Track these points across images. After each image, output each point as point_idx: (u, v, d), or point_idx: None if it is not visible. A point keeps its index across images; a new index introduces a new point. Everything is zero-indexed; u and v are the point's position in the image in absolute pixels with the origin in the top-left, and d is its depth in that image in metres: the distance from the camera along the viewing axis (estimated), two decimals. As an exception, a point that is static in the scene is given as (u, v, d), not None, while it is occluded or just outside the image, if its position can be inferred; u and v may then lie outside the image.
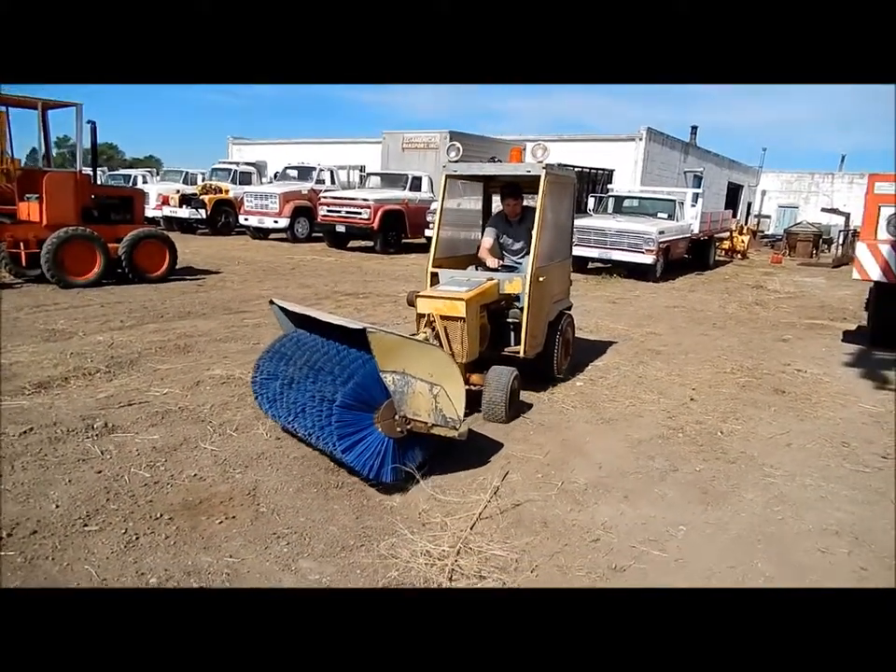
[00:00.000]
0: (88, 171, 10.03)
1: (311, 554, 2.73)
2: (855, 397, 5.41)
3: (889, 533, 3.09)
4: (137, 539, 2.81)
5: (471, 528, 2.97)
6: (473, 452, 3.85)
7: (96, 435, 3.92)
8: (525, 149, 5.46)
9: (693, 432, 4.37)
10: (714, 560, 2.83)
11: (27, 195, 9.53)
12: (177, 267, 10.56)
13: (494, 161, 5.48)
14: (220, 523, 2.96)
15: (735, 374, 5.98)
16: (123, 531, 2.86)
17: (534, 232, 4.81)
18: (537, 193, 4.89)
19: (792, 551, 2.93)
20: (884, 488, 3.62)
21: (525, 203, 5.50)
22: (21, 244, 9.14)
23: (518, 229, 5.41)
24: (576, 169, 17.97)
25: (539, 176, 4.80)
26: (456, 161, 5.24)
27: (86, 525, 2.91)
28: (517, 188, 5.36)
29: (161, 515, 3.00)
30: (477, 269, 5.22)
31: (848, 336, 8.13)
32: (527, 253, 5.05)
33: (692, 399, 5.12)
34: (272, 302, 4.12)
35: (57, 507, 3.06)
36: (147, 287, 9.63)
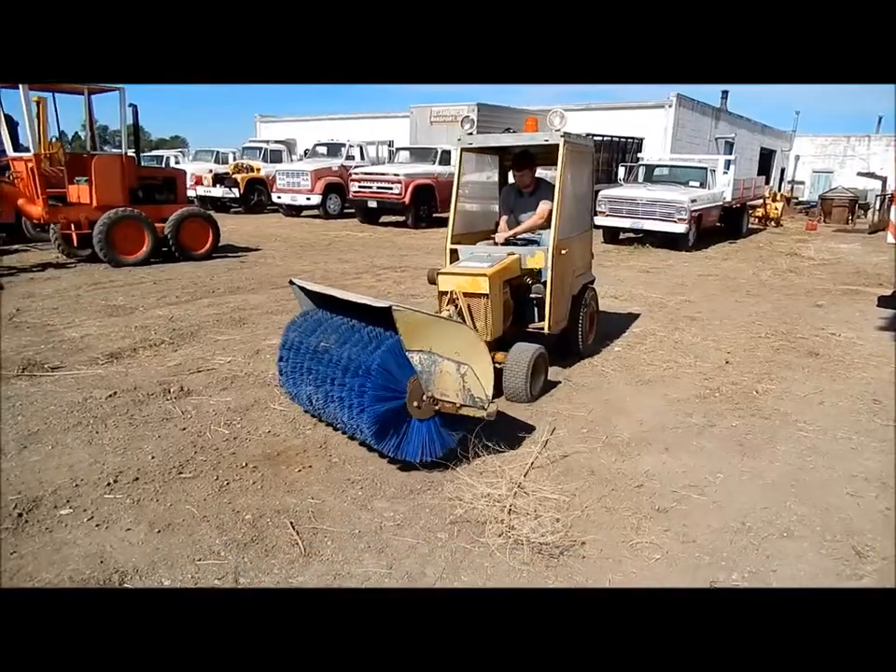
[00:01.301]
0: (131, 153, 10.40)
1: (384, 496, 3.05)
2: (887, 358, 5.55)
3: (917, 479, 3.30)
4: (228, 484, 3.16)
5: (525, 475, 3.26)
6: (520, 409, 4.13)
7: (174, 398, 4.28)
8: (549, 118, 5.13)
9: (728, 392, 4.59)
10: (750, 502, 3.08)
11: (76, 178, 9.94)
12: (219, 245, 10.94)
13: (509, 132, 5.23)
14: (299, 471, 3.30)
15: (770, 339, 6.14)
16: (215, 478, 3.22)
17: (554, 204, 4.67)
18: (555, 164, 4.72)
19: (823, 494, 3.17)
20: (913, 441, 3.82)
21: (537, 174, 5.31)
22: (73, 225, 9.56)
23: (530, 201, 5.19)
24: (605, 138, 17.90)
25: (558, 145, 4.63)
26: (470, 133, 5.11)
27: (180, 473, 3.27)
28: (527, 158, 5.13)
29: (246, 465, 3.35)
30: (507, 243, 5.06)
31: (883, 301, 8.14)
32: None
33: (727, 362, 5.31)
34: (291, 283, 4.05)
35: (152, 458, 3.42)
36: (192, 264, 10.01)
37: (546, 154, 5.06)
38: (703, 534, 2.82)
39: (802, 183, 33.07)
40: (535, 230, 5.15)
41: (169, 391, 4.40)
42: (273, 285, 8.42)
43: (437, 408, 3.20)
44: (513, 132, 5.29)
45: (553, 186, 5.15)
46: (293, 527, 2.77)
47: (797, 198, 28.27)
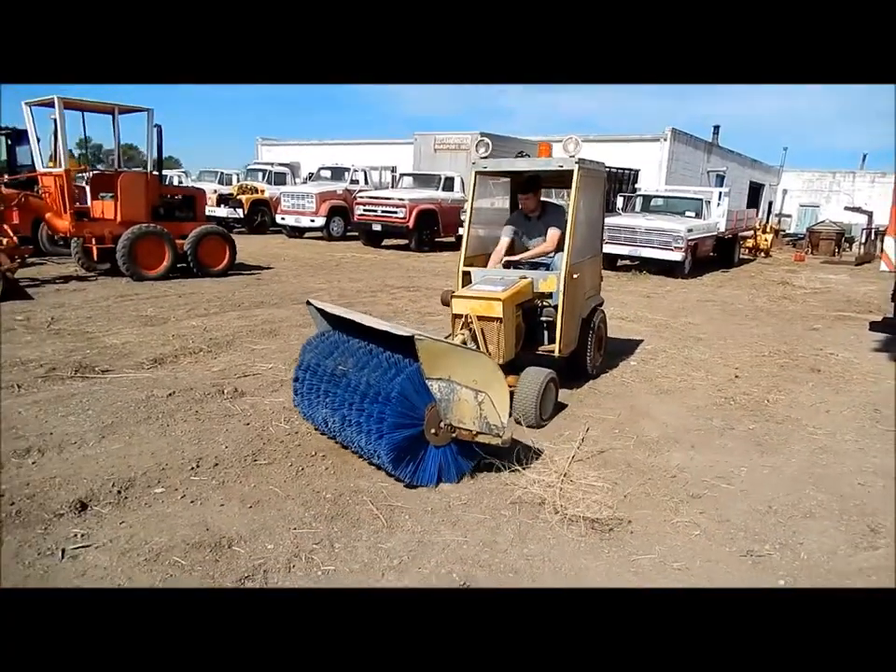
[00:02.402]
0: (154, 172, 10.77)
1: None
2: (884, 375, 5.98)
3: (919, 475, 3.69)
4: (303, 469, 3.48)
5: (568, 466, 3.60)
6: (555, 413, 4.49)
7: (230, 397, 4.59)
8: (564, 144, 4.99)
9: (742, 401, 4.98)
10: (773, 491, 3.45)
11: (101, 194, 10.29)
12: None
13: (522, 157, 5.28)
14: (364, 460, 3.61)
15: (773, 357, 6.57)
16: (289, 464, 3.53)
17: (567, 228, 4.73)
18: (569, 188, 4.78)
19: (837, 484, 3.55)
20: (913, 444, 4.22)
21: (542, 198, 5.36)
22: (93, 239, 9.87)
23: (537, 224, 5.22)
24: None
25: (572, 171, 4.68)
26: (486, 157, 5.16)
27: (256, 461, 3.58)
28: (533, 182, 5.18)
29: (315, 454, 3.66)
30: (508, 267, 5.09)
31: (874, 326, 8.63)
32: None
33: (736, 377, 5.71)
34: (308, 303, 4.11)
35: (226, 448, 3.73)
36: (211, 280, 10.33)
37: (559, 178, 5.16)
38: (734, 515, 3.17)
39: (789, 216, 34.07)
40: (544, 255, 5.20)
41: (223, 392, 4.70)
42: (294, 300, 8.75)
43: (454, 435, 3.26)
44: (526, 156, 5.34)
45: (561, 209, 5.35)
46: (372, 504, 3.09)
47: (784, 230, 29.13)
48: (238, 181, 23.48)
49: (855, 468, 3.79)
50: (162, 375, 5.14)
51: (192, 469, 3.44)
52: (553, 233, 5.08)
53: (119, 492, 3.15)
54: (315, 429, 3.97)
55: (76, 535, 2.79)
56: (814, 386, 5.51)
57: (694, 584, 2.59)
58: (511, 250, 5.33)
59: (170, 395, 4.57)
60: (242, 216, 20.69)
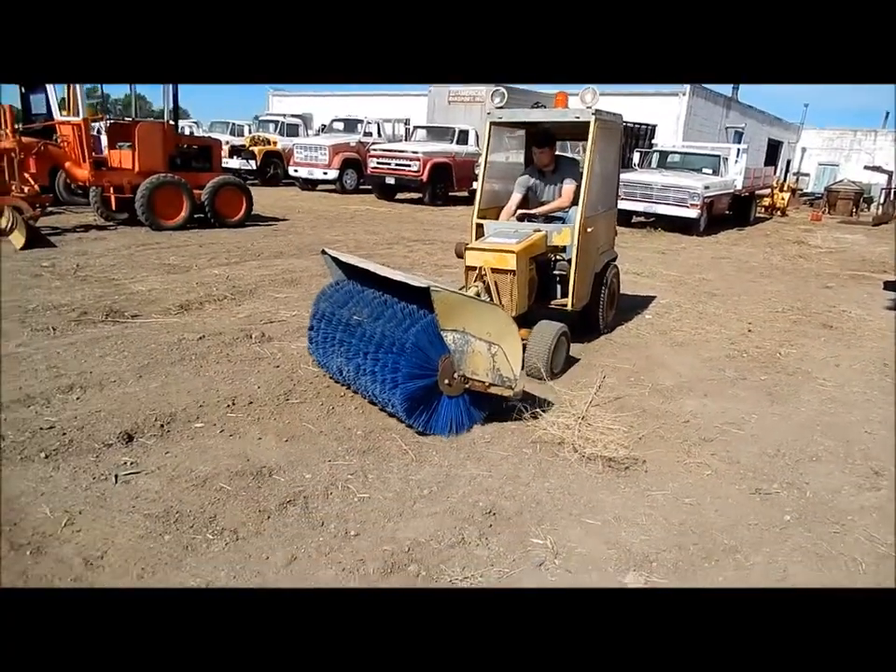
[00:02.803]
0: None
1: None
2: (894, 333, 6.06)
3: (924, 425, 3.83)
4: (333, 408, 3.66)
5: (586, 410, 3.76)
6: (571, 362, 4.63)
7: (258, 342, 4.76)
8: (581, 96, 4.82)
9: (754, 353, 5.11)
10: (782, 436, 3.60)
11: (119, 144, 10.31)
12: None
13: (538, 107, 5.24)
14: (390, 401, 3.77)
15: (786, 312, 6.66)
16: (320, 403, 3.71)
17: (583, 181, 4.66)
18: (585, 141, 4.70)
19: (844, 431, 3.70)
20: (919, 396, 4.36)
21: (557, 151, 5.24)
22: (112, 188, 9.93)
23: (552, 178, 5.12)
24: (620, 124, 18.25)
25: (589, 122, 4.57)
26: (501, 108, 5.02)
27: (288, 399, 3.76)
28: (548, 136, 5.05)
29: (344, 394, 3.83)
30: (524, 220, 5.00)
31: (889, 285, 8.68)
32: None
33: (749, 331, 5.82)
34: (324, 252, 4.11)
35: (258, 388, 3.90)
36: (229, 231, 10.40)
37: (575, 130, 5.00)
38: (744, 457, 3.33)
39: (807, 175, 33.44)
40: (560, 210, 5.09)
41: (251, 336, 4.87)
42: (313, 251, 8.84)
43: (467, 386, 3.31)
44: (543, 107, 5.28)
45: (576, 162, 5.29)
46: (401, 440, 3.27)
47: (802, 189, 28.69)
48: (250, 132, 23.28)
49: (862, 417, 3.93)
50: (190, 321, 5.31)
51: (228, 406, 3.63)
52: (567, 188, 5.01)
53: (162, 426, 3.35)
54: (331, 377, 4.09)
55: (125, 463, 2.99)
56: (825, 341, 5.62)
57: (704, 518, 2.77)
58: (523, 205, 5.23)
59: (200, 338, 4.74)
60: (254, 167, 20.57)
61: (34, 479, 2.80)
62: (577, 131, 4.95)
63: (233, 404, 3.65)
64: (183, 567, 2.28)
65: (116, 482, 2.82)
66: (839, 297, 7.77)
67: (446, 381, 3.27)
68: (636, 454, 3.28)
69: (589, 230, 4.75)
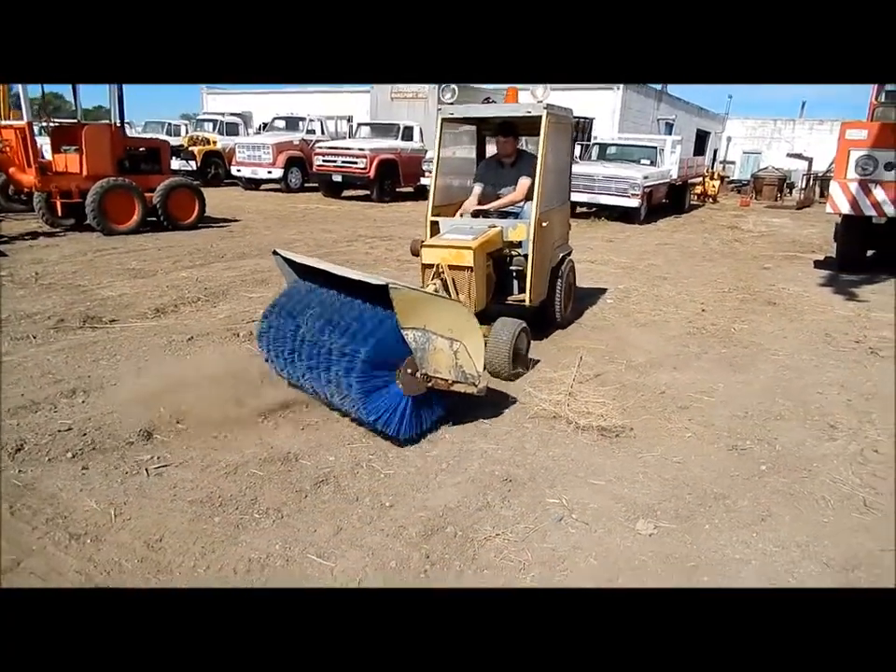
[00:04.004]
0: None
1: (469, 405, 3.78)
2: (830, 306, 6.68)
3: (865, 385, 4.32)
4: (339, 397, 3.84)
5: (571, 386, 4.08)
6: (550, 344, 4.95)
7: (248, 340, 4.86)
8: (532, 90, 5.00)
9: (711, 330, 5.57)
10: (747, 400, 4.02)
11: (63, 147, 10.05)
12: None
13: (489, 103, 5.04)
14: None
15: (733, 292, 7.19)
16: (325, 393, 3.88)
17: (536, 176, 4.62)
18: (536, 135, 4.66)
19: (800, 393, 4.16)
20: (858, 360, 4.89)
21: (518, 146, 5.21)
22: (59, 194, 9.68)
23: (511, 172, 5.06)
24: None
25: (541, 117, 4.55)
26: (451, 104, 4.97)
27: (293, 392, 3.92)
28: (512, 126, 5.00)
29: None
30: (477, 216, 4.94)
31: (819, 264, 9.42)
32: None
33: (703, 310, 6.29)
34: (275, 253, 3.99)
35: (262, 382, 4.05)
36: (183, 233, 10.28)
37: (530, 126, 4.97)
38: (718, 420, 3.72)
39: (733, 163, 35.11)
40: (513, 205, 5.07)
41: (238, 335, 4.98)
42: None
43: (429, 385, 3.24)
44: (493, 102, 5.18)
45: (535, 158, 5.22)
46: (411, 422, 3.50)
47: (729, 177, 30.12)
48: (187, 132, 22.76)
49: (813, 381, 4.40)
50: (171, 323, 5.37)
51: (237, 401, 3.77)
52: (523, 182, 4.93)
53: (178, 421, 3.47)
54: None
55: (151, 457, 3.12)
56: (772, 317, 6.14)
57: (692, 473, 3.12)
58: (481, 199, 5.16)
59: (189, 339, 4.83)
60: (194, 168, 20.15)
61: (67, 477, 2.90)
62: (530, 126, 4.93)
63: (262, 382, 3.80)
64: (240, 543, 2.46)
65: (148, 475, 2.96)
66: (776, 276, 8.40)
67: (408, 381, 3.19)
68: (623, 422, 3.62)
69: (544, 224, 4.74)
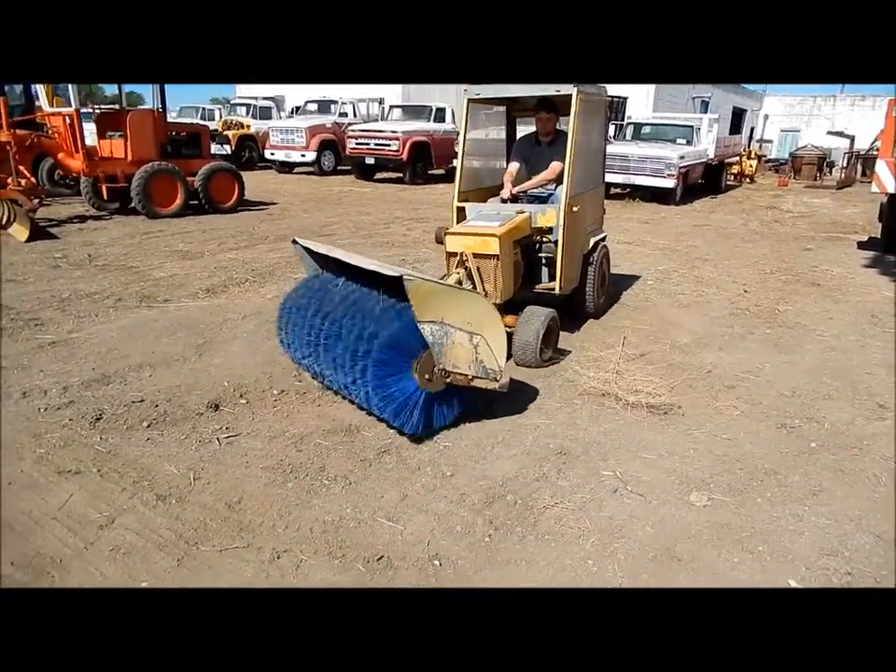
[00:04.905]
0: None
1: (520, 377, 3.89)
2: (876, 287, 6.63)
3: (914, 365, 4.34)
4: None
5: (618, 364, 4.15)
6: (595, 324, 5.02)
7: (299, 319, 5.04)
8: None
9: (755, 311, 5.58)
10: (794, 380, 4.06)
11: (108, 133, 10.31)
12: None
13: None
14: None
15: (775, 274, 7.15)
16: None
17: (567, 158, 4.39)
18: (567, 115, 4.47)
19: (848, 374, 4.18)
20: (906, 342, 4.89)
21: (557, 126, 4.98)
22: (103, 178, 9.94)
23: (547, 152, 4.85)
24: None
25: (570, 95, 4.35)
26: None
27: (347, 369, 4.06)
28: (553, 102, 4.78)
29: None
30: (504, 201, 4.77)
31: (862, 245, 9.27)
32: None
33: (745, 291, 6.29)
34: (294, 242, 3.88)
35: (316, 359, 4.20)
36: (224, 217, 10.50)
37: (568, 103, 4.62)
38: (765, 399, 3.77)
39: (770, 141, 34.32)
40: (544, 185, 4.91)
41: (289, 315, 5.14)
42: (315, 233, 9.07)
43: (448, 380, 3.11)
44: None
45: None
46: (465, 397, 3.63)
47: (766, 156, 29.47)
48: (220, 117, 23.06)
49: (860, 361, 4.41)
50: (223, 302, 5.55)
51: (294, 376, 3.93)
52: (554, 165, 4.71)
53: (241, 395, 3.65)
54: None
55: (220, 427, 3.29)
56: (816, 298, 6.12)
57: (742, 449, 3.19)
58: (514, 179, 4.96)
59: (244, 318, 5.01)
60: (229, 152, 20.43)
61: (144, 444, 3.09)
62: (569, 104, 4.59)
63: (298, 373, 3.96)
64: (313, 507, 2.62)
65: (220, 444, 3.13)
66: (819, 258, 8.31)
67: (426, 376, 3.07)
68: (671, 400, 3.69)
69: (575, 209, 4.50)
